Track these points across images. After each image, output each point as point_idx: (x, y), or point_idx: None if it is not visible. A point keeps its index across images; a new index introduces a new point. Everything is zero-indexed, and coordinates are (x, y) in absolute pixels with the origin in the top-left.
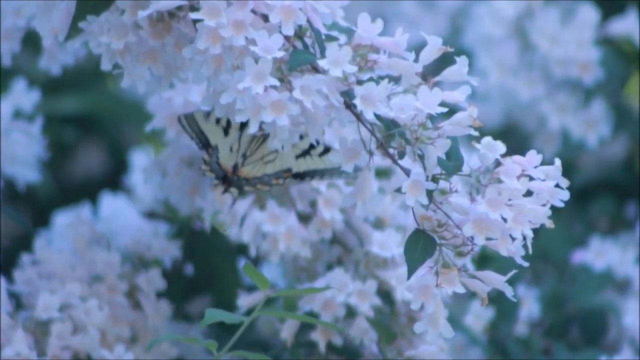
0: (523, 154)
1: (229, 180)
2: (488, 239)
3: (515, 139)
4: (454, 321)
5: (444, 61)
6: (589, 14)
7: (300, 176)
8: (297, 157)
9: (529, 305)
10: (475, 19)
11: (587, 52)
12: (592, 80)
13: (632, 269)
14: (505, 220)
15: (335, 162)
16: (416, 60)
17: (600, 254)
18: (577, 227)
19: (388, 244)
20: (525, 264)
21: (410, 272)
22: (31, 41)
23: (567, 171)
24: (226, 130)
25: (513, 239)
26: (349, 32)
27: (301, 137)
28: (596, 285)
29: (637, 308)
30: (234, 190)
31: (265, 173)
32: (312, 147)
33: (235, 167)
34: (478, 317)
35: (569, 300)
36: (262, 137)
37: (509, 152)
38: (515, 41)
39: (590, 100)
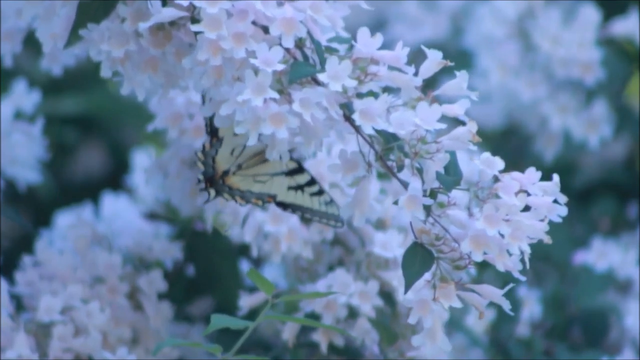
0: (524, 154)
1: (213, 181)
2: (485, 253)
3: (517, 139)
4: (455, 322)
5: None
6: (591, 15)
7: (284, 206)
8: (289, 188)
9: (531, 306)
10: (476, 19)
11: (589, 52)
12: (594, 80)
13: (633, 270)
14: (502, 236)
15: (330, 210)
16: (416, 73)
17: (602, 254)
18: (579, 228)
19: (390, 245)
20: (523, 279)
21: (408, 286)
22: (32, 42)
23: (568, 172)
24: None
25: (510, 254)
26: (350, 42)
27: (302, 171)
28: (598, 286)
29: (639, 309)
30: (212, 191)
31: (250, 190)
32: (309, 184)
33: (226, 173)
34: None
35: (570, 301)
36: (263, 157)
37: (510, 153)
38: (516, 41)
39: (592, 101)
